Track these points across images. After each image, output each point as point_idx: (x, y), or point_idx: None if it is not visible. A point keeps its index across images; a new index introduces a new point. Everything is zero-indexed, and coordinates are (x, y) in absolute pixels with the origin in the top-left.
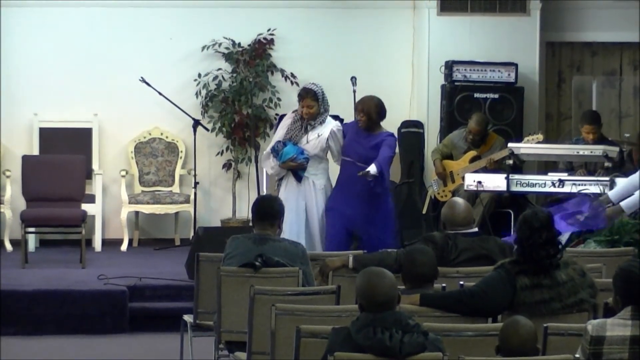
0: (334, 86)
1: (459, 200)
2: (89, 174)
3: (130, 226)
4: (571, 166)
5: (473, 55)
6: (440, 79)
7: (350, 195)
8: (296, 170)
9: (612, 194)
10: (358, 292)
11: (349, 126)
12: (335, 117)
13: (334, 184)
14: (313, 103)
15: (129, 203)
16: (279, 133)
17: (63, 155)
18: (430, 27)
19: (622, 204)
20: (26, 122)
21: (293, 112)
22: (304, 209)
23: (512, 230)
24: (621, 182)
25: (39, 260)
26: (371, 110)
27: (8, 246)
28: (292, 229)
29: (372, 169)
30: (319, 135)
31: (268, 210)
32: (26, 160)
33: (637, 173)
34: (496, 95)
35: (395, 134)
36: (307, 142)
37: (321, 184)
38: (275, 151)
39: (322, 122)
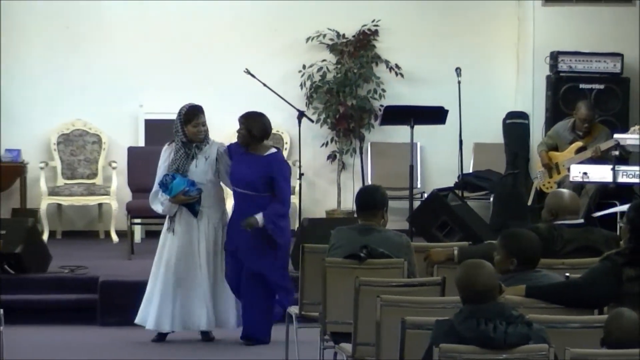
0: (438, 77)
1: (565, 190)
2: None
3: None
4: None
5: (578, 46)
6: (545, 70)
7: (243, 234)
8: (191, 204)
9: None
10: (457, 284)
11: (231, 148)
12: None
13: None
14: (205, 119)
15: None
16: (162, 168)
17: None
18: (535, 18)
19: None
20: (132, 113)
21: (168, 144)
22: (204, 248)
23: (617, 222)
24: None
25: (144, 251)
26: (253, 126)
27: (114, 237)
28: (196, 268)
29: (259, 219)
30: (206, 158)
31: (370, 201)
32: (132, 151)
33: None
34: (602, 86)
35: (500, 126)
36: (197, 167)
37: (216, 218)
38: (163, 185)
39: (208, 143)
